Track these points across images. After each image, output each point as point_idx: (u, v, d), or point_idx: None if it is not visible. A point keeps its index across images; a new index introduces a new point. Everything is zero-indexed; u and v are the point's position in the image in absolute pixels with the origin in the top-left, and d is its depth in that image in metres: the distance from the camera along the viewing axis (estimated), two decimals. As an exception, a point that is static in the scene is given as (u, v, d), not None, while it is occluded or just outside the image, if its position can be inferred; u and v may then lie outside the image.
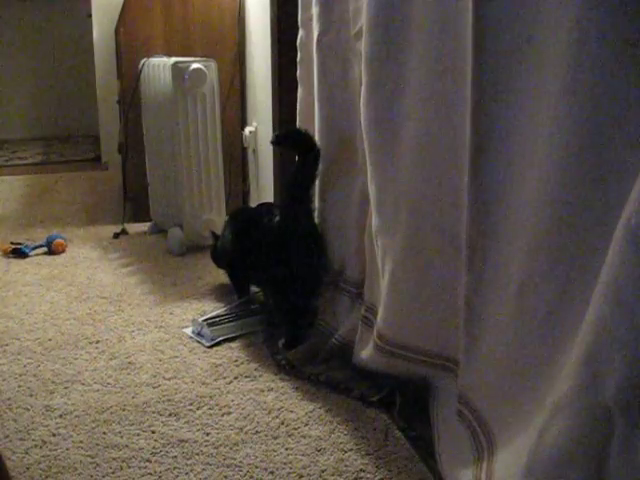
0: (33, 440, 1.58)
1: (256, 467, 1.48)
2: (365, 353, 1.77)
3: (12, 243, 2.91)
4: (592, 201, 1.01)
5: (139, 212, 3.29)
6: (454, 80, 1.35)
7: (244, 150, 3.28)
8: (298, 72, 2.12)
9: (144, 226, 3.22)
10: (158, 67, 2.89)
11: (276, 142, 2.19)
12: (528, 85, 1.13)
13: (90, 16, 4.17)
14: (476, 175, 1.25)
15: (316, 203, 2.05)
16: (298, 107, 2.13)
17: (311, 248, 2.01)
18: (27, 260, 2.81)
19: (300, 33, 2.08)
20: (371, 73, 1.59)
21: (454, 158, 1.37)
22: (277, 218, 2.02)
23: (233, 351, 2.00)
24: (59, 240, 2.90)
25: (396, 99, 1.53)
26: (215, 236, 2.45)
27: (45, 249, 2.89)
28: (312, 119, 2.03)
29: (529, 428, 1.10)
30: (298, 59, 2.12)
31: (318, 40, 1.92)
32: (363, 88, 1.62)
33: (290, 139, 2.13)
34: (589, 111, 0.99)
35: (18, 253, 2.83)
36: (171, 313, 2.27)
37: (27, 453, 1.54)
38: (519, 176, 1.17)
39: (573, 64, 1.01)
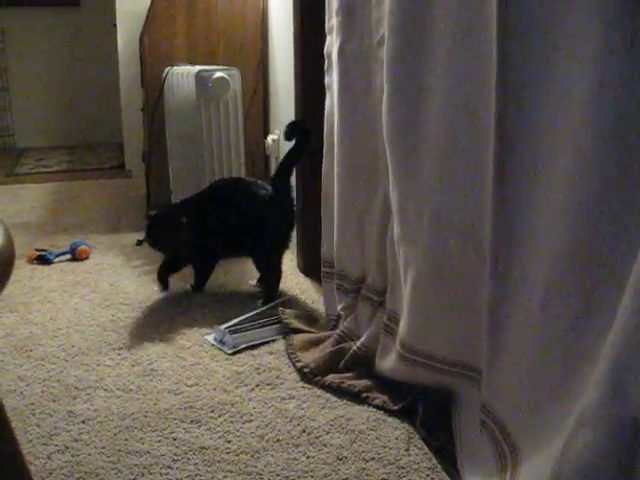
0: (56, 445, 1.59)
1: (277, 475, 1.48)
2: (387, 362, 1.76)
3: (37, 250, 2.93)
4: (619, 208, 0.99)
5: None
6: (478, 87, 1.34)
7: (267, 158, 3.29)
8: (326, 79, 2.12)
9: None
10: (182, 75, 2.91)
11: (288, 138, 2.42)
12: (554, 92, 1.12)
13: (115, 25, 4.21)
14: (500, 183, 1.24)
15: (335, 212, 2.06)
16: (326, 115, 2.13)
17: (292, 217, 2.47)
18: (51, 267, 2.83)
19: (327, 41, 2.08)
20: (393, 80, 1.59)
21: (478, 165, 1.36)
22: (263, 192, 2.41)
23: (255, 358, 2.00)
24: (83, 247, 2.93)
25: (419, 106, 1.53)
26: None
27: (69, 256, 2.92)
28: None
29: (554, 439, 1.08)
30: (325, 67, 2.12)
31: (340, 48, 1.92)
32: (385, 95, 1.62)
33: (296, 131, 2.40)
34: (616, 117, 0.98)
35: (42, 260, 2.86)
36: (194, 320, 2.27)
37: (50, 458, 1.54)
38: (544, 183, 1.16)
39: (600, 70, 0.99)
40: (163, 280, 2.53)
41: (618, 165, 0.99)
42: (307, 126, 2.38)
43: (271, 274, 2.47)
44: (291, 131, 2.38)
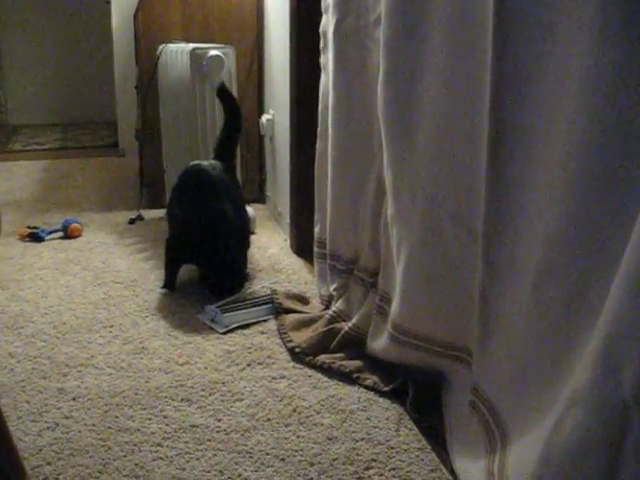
0: (46, 422, 1.59)
1: (267, 454, 1.48)
2: (378, 342, 1.76)
3: (29, 227, 2.92)
4: (612, 193, 0.99)
5: (155, 198, 3.29)
6: (474, 67, 1.33)
7: (261, 138, 3.27)
8: (322, 59, 2.11)
9: (160, 212, 3.22)
10: (176, 53, 2.88)
11: (219, 94, 2.55)
12: (550, 73, 1.11)
13: (109, 2, 4.17)
14: (494, 165, 1.23)
15: (329, 192, 2.05)
16: (321, 94, 2.12)
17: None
18: (43, 244, 2.82)
19: (323, 19, 2.06)
20: (389, 59, 1.57)
21: (472, 146, 1.36)
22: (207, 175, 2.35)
23: (246, 338, 1.99)
24: (75, 225, 2.92)
25: (414, 85, 1.52)
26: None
27: (61, 233, 2.91)
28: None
29: (544, 420, 1.08)
30: (321, 46, 2.10)
31: (336, 27, 1.91)
32: (381, 74, 1.61)
33: (227, 99, 2.54)
34: (612, 101, 0.97)
35: (34, 237, 2.85)
36: (185, 299, 2.27)
37: (39, 435, 1.54)
38: (538, 167, 1.15)
39: (596, 52, 0.98)
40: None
41: (614, 149, 0.98)
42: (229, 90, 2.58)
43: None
44: (218, 94, 2.54)
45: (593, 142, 1.01)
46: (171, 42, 3.02)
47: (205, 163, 2.43)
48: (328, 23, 2.00)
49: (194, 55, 2.73)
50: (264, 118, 3.16)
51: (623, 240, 0.88)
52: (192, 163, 2.44)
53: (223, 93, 2.56)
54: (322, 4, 2.05)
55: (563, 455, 0.95)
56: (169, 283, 2.36)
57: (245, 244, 2.43)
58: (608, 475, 0.89)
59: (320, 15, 2.08)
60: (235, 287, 2.28)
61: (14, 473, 1.12)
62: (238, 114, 2.56)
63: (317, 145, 2.15)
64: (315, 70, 2.18)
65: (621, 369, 0.85)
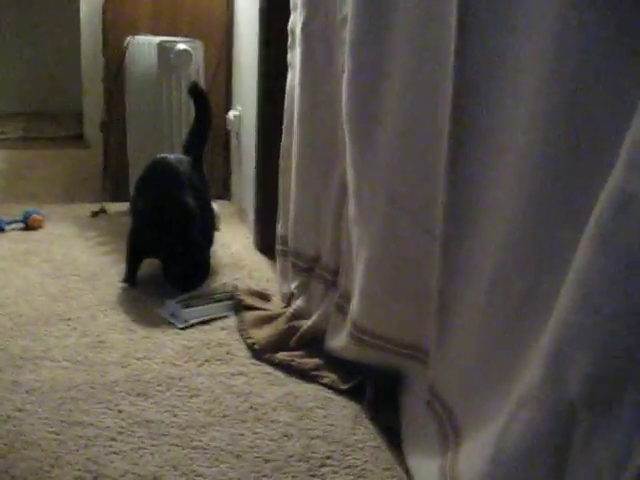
0: (-2, 414, 1.57)
1: (222, 450, 1.48)
2: (337, 341, 1.77)
3: (-13, 217, 2.87)
4: (565, 198, 1.01)
5: (119, 191, 3.25)
6: (437, 68, 1.34)
7: (228, 133, 3.26)
8: (289, 56, 2.11)
9: (123, 206, 3.19)
10: (143, 46, 2.86)
11: (191, 92, 2.57)
12: (509, 77, 1.13)
13: (78, -9, 4.12)
14: (453, 166, 1.24)
15: (292, 189, 2.05)
16: (287, 91, 2.12)
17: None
18: (2, 235, 2.77)
19: (291, 17, 2.06)
20: (354, 59, 1.58)
21: (434, 147, 1.37)
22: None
23: (206, 334, 1.99)
24: (36, 216, 2.87)
25: (378, 86, 1.53)
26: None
27: (22, 224, 2.86)
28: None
29: (495, 421, 1.10)
30: (289, 43, 2.10)
31: (304, 25, 1.91)
32: (346, 74, 1.61)
33: (199, 97, 2.55)
34: (568, 106, 0.98)
35: (-7, 227, 2.80)
36: (145, 293, 2.25)
37: (-9, 428, 1.52)
38: (496, 170, 1.17)
39: (554, 57, 1.00)
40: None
41: (569, 154, 0.99)
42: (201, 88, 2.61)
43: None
44: (191, 92, 2.55)
45: (549, 144, 1.02)
46: (139, 35, 2.99)
47: (171, 156, 2.42)
48: (296, 21, 2.00)
49: (162, 48, 2.72)
50: (231, 114, 3.15)
51: (575, 246, 0.90)
52: (158, 156, 2.42)
53: (195, 91, 2.55)
54: (291, 2, 2.05)
55: (512, 456, 0.97)
56: (130, 277, 2.33)
57: (209, 240, 2.42)
58: (557, 476, 0.91)
59: (289, 13, 2.08)
60: (197, 281, 2.26)
61: None
62: (209, 113, 2.56)
63: (282, 141, 2.15)
64: (283, 67, 2.17)
65: (568, 371, 0.87)
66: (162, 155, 2.44)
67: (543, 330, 0.96)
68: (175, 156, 2.44)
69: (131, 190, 3.14)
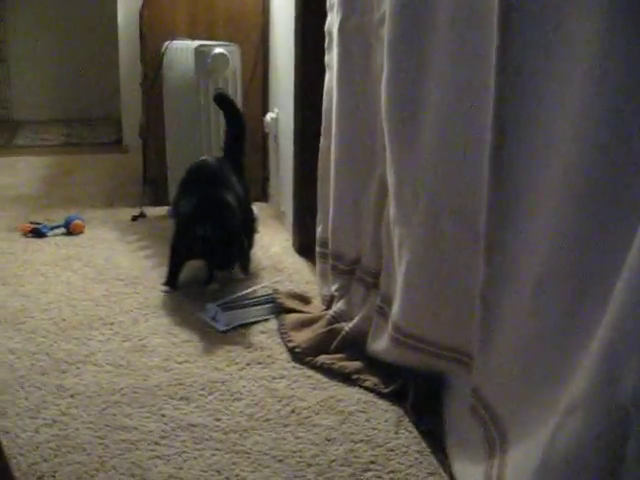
0: (44, 419, 1.58)
1: (265, 454, 1.47)
2: (379, 344, 1.75)
3: (31, 223, 2.91)
4: (617, 196, 0.98)
5: (158, 195, 3.28)
6: (478, 67, 1.32)
7: (265, 136, 3.26)
8: (326, 57, 2.10)
9: (163, 210, 3.22)
10: (181, 50, 2.88)
11: (216, 99, 2.54)
12: (554, 74, 1.10)
13: (115, -2, 4.17)
14: (497, 165, 1.22)
15: (331, 191, 2.04)
16: (325, 92, 2.11)
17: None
18: (45, 240, 2.81)
19: (328, 18, 2.05)
20: (394, 58, 1.56)
21: (476, 146, 1.34)
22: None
23: (246, 337, 1.98)
24: (77, 221, 2.91)
25: (418, 85, 1.51)
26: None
27: (63, 230, 2.90)
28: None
29: (544, 426, 1.07)
30: (326, 44, 2.09)
31: (341, 25, 1.90)
32: (385, 73, 1.60)
33: (225, 104, 2.53)
34: (617, 102, 0.96)
35: (37, 233, 2.84)
36: (186, 297, 2.26)
37: (37, 432, 1.54)
38: (542, 168, 1.14)
39: (601, 53, 0.97)
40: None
41: (620, 150, 0.97)
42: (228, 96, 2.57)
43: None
44: (216, 100, 2.52)
45: (600, 144, 1.00)
46: (176, 39, 3.01)
47: (212, 159, 2.44)
48: (333, 21, 1.98)
49: (199, 53, 2.73)
50: (268, 116, 3.15)
51: (627, 245, 0.87)
52: (199, 159, 2.45)
53: (220, 99, 2.55)
54: (327, 2, 2.04)
55: (562, 462, 0.94)
56: (171, 281, 2.32)
57: (249, 242, 2.42)
58: None
59: (325, 14, 2.07)
60: (234, 258, 2.26)
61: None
62: (239, 117, 2.56)
63: (321, 142, 2.14)
64: (320, 69, 2.16)
65: (621, 375, 0.84)
66: (203, 158, 2.46)
67: (594, 333, 0.93)
68: (215, 159, 2.45)
69: (171, 194, 3.17)
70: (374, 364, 1.78)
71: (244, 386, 1.73)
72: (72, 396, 1.68)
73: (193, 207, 2.27)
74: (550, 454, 0.97)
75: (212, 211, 2.23)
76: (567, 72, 1.07)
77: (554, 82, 1.10)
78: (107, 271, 2.49)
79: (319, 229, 2.22)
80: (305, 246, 2.60)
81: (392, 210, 1.65)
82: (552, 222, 1.11)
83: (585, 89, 1.01)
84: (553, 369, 1.10)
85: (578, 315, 1.03)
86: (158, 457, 1.46)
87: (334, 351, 1.86)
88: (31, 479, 1.39)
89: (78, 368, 1.81)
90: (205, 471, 1.42)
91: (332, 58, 2.04)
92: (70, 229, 2.88)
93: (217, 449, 1.49)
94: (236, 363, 1.84)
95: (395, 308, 1.66)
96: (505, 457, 1.22)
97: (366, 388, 1.72)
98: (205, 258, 2.27)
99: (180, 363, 1.84)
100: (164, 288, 2.31)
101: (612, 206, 0.99)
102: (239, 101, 2.85)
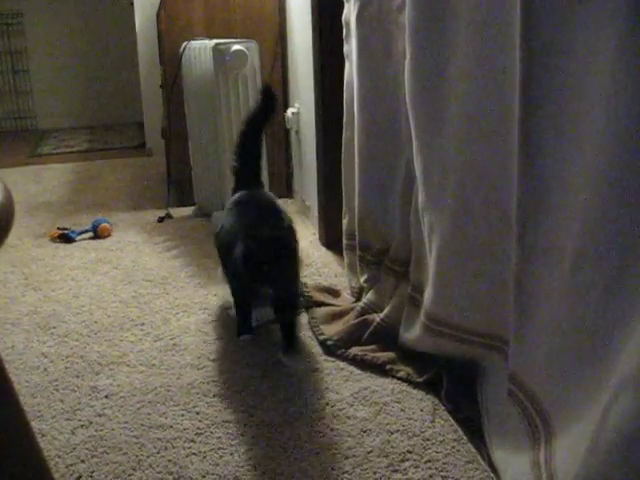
0: (79, 420, 1.59)
1: (301, 448, 1.46)
2: (411, 333, 1.73)
3: (59, 228, 2.94)
4: None
5: (183, 196, 3.30)
6: (502, 47, 1.29)
7: (287, 131, 3.25)
8: (345, 48, 2.08)
9: (188, 210, 3.23)
10: (199, 50, 2.87)
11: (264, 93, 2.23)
12: (582, 49, 1.07)
13: (132, 3, 4.18)
14: (526, 148, 1.19)
15: (356, 182, 2.01)
16: (345, 83, 2.09)
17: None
18: (74, 245, 2.83)
19: (345, 8, 2.03)
20: (416, 44, 1.54)
21: (503, 128, 1.32)
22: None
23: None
24: (105, 225, 2.93)
25: (442, 69, 1.48)
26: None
27: (91, 234, 2.92)
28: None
29: (591, 410, 1.04)
30: (344, 35, 2.07)
31: (359, 14, 1.88)
32: (407, 60, 1.57)
33: (270, 99, 2.20)
34: None
35: (65, 238, 2.86)
36: (215, 295, 2.26)
37: (73, 433, 1.54)
38: (574, 146, 1.11)
39: (630, 23, 0.94)
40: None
41: None
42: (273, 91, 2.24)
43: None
44: (264, 94, 2.21)
45: (634, 119, 0.96)
46: (194, 39, 3.01)
47: (252, 191, 2.13)
48: (350, 11, 1.97)
49: (217, 50, 2.72)
50: (289, 111, 3.14)
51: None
52: (239, 194, 2.12)
53: (268, 94, 2.22)
54: (344, -7, 2.02)
55: (612, 443, 0.91)
56: (246, 327, 1.97)
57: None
58: None
59: (342, 6, 2.06)
60: (293, 312, 1.92)
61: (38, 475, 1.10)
62: (270, 114, 2.23)
63: (343, 135, 2.12)
64: (339, 61, 2.15)
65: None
66: (242, 192, 2.12)
67: (637, 309, 0.90)
68: (252, 190, 2.13)
69: (196, 193, 3.18)
70: (407, 354, 1.76)
71: (276, 381, 1.72)
72: (107, 397, 1.68)
73: (255, 243, 1.76)
74: (600, 435, 0.94)
75: (275, 246, 1.78)
76: (596, 46, 1.03)
77: (583, 57, 1.07)
78: (136, 273, 2.49)
79: (345, 221, 2.20)
80: (332, 239, 2.59)
81: (420, 196, 1.63)
82: (586, 200, 1.08)
83: (616, 62, 0.98)
84: (595, 350, 1.07)
85: (618, 291, 1.00)
86: (194, 454, 1.45)
87: (366, 342, 1.85)
88: (66, 476, 1.40)
89: (111, 369, 1.81)
90: (242, 466, 1.41)
91: (351, 48, 2.02)
92: (97, 233, 2.90)
93: (253, 444, 1.48)
94: (267, 359, 1.83)
95: (427, 296, 1.63)
96: (552, 442, 1.19)
97: (400, 378, 1.70)
98: (272, 291, 1.87)
99: (212, 361, 1.84)
100: (242, 338, 1.96)
101: None
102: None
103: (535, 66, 1.15)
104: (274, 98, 2.22)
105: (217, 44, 2.74)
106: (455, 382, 1.63)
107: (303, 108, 2.99)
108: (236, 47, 2.73)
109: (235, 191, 2.17)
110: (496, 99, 1.35)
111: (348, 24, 2.03)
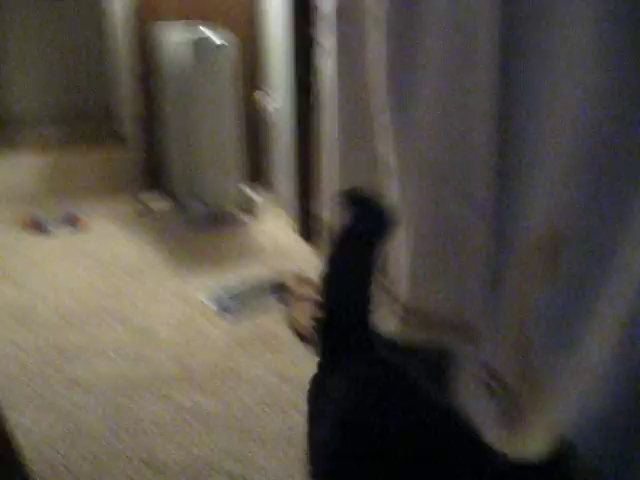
0: (55, 411, 1.59)
1: (275, 438, 1.47)
2: (386, 323, 1.74)
3: (32, 219, 2.91)
4: (623, 166, 0.97)
5: (159, 185, 3.28)
6: (478, 34, 1.30)
7: (263, 121, 3.24)
8: (322, 40, 2.08)
9: (166, 202, 3.22)
10: (177, 39, 2.85)
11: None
12: (556, 37, 1.08)
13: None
14: (499, 138, 1.21)
15: (337, 174, 2.02)
16: (323, 77, 2.09)
17: None
18: (50, 236, 2.81)
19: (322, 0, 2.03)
20: (391, 38, 1.55)
21: (477, 122, 1.33)
22: None
23: (256, 324, 1.98)
24: (80, 216, 2.91)
25: (416, 58, 1.49)
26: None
27: (67, 225, 2.90)
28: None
29: (565, 396, 1.06)
30: (320, 26, 2.07)
31: (336, 6, 1.88)
32: (383, 55, 1.58)
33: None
34: (629, 57, 0.93)
35: (37, 226, 2.84)
36: (194, 287, 2.26)
37: (50, 425, 1.54)
38: (547, 138, 1.13)
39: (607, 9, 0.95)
40: None
41: (633, 113, 0.95)
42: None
43: None
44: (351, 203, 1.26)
45: (608, 106, 0.98)
46: (168, 22, 2.97)
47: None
48: (327, 3, 1.97)
49: (196, 43, 2.70)
50: (265, 102, 3.13)
51: (636, 215, 0.86)
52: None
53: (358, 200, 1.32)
54: (322, -16, 2.02)
55: (587, 431, 0.93)
56: None
57: None
58: None
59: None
60: None
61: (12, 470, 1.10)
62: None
63: (321, 127, 2.13)
64: (315, 53, 2.15)
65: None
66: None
67: (613, 301, 0.93)
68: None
69: (169, 183, 3.16)
70: (382, 343, 1.78)
71: (254, 372, 1.73)
72: (82, 387, 1.68)
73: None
74: (575, 423, 0.96)
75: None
76: (571, 34, 1.05)
77: (557, 46, 1.08)
78: (113, 264, 2.48)
79: (324, 213, 2.21)
80: (307, 231, 2.59)
81: (396, 191, 1.64)
82: (558, 196, 1.10)
83: (592, 46, 0.99)
84: (572, 329, 1.09)
85: (593, 280, 1.02)
86: (169, 443, 1.46)
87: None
88: (43, 468, 1.40)
89: (87, 360, 1.81)
90: (216, 455, 1.42)
91: (329, 41, 2.02)
92: (73, 224, 2.88)
93: (228, 434, 1.49)
94: (246, 350, 1.84)
95: (401, 287, 1.65)
96: (524, 429, 1.22)
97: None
98: None
99: (190, 352, 1.84)
100: None
101: (618, 179, 0.97)
102: (236, 88, 2.83)
103: (510, 59, 1.16)
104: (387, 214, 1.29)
105: (196, 36, 2.72)
106: (428, 371, 1.64)
107: (279, 100, 2.99)
108: (216, 41, 2.72)
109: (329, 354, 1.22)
110: (471, 92, 1.36)
111: (324, 16, 2.03)
